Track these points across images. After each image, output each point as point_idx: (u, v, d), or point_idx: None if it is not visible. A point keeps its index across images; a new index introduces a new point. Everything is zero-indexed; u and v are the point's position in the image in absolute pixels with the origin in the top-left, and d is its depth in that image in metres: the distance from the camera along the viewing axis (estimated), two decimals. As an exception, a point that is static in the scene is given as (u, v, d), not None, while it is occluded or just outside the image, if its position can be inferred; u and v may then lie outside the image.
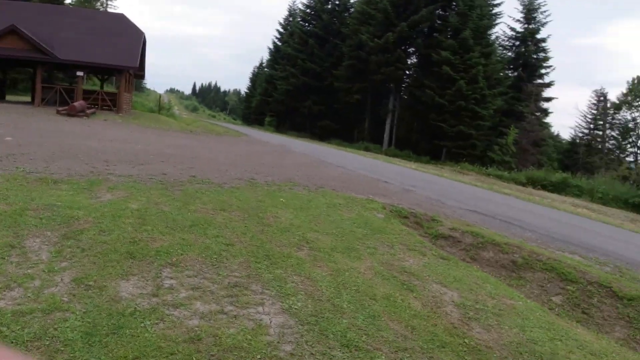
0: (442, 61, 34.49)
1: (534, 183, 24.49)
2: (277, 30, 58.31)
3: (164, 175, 8.44)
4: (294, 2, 57.79)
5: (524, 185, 24.00)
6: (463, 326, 4.05)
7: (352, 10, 46.37)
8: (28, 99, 29.30)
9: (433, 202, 10.40)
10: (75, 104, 20.78)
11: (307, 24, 49.39)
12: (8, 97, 29.47)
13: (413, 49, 40.95)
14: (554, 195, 20.69)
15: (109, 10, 55.31)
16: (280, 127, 49.23)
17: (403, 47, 39.35)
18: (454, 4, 38.08)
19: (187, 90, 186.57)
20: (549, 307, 5.61)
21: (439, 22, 39.57)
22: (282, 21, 58.01)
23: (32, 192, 5.91)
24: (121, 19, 28.42)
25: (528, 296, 5.74)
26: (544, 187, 23.98)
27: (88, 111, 21.23)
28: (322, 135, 42.92)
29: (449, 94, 33.89)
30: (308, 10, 49.47)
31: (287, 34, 54.14)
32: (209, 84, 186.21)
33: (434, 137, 35.77)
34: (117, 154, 10.41)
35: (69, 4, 48.27)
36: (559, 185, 24.12)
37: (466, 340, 3.78)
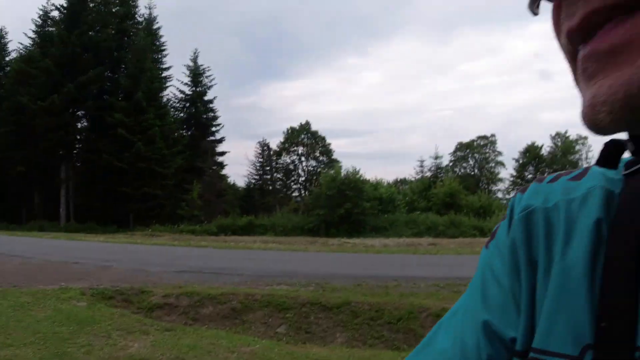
0: (117, 123, 33.16)
1: (225, 230, 26.14)
2: None
3: None
4: None
5: (216, 234, 25.27)
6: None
7: (8, 69, 39.37)
8: None
9: (136, 272, 9.66)
10: None
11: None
12: None
13: (83, 112, 37.90)
14: (246, 238, 22.62)
15: None
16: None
17: (72, 110, 35.95)
18: (123, 66, 37.63)
19: None
20: (278, 339, 5.93)
21: (109, 84, 38.16)
22: None
23: None
24: None
25: (257, 336, 5.91)
26: (234, 233, 25.87)
27: None
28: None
29: (128, 157, 32.68)
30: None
31: None
32: None
33: (118, 203, 33.58)
34: None
35: None
36: (246, 227, 26.60)
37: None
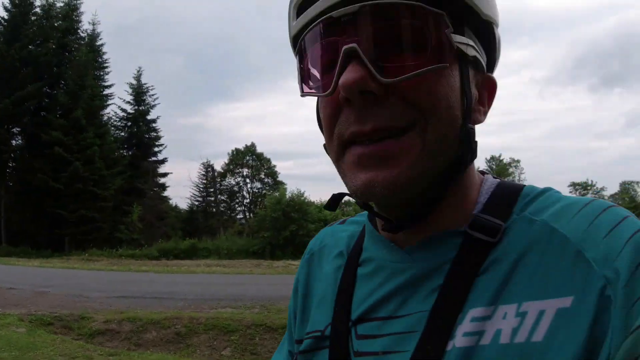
0: (54, 142, 31.87)
1: (166, 254, 25.60)
2: None
3: None
4: None
5: (157, 258, 24.69)
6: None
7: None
8: None
9: (75, 298, 9.51)
10: None
11: None
12: None
13: (19, 129, 36.11)
14: (188, 262, 22.24)
15: None
16: None
17: (7, 127, 34.19)
18: (63, 82, 36.39)
19: None
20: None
21: (47, 100, 36.71)
22: None
23: None
24: None
25: (203, 359, 6.11)
26: (176, 257, 25.36)
27: None
28: None
29: (64, 177, 31.38)
30: None
31: None
32: None
33: (53, 226, 31.96)
34: None
35: None
36: (189, 251, 26.19)
37: None
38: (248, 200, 48.38)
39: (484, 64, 0.54)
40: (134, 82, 42.21)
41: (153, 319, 7.51)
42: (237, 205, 48.83)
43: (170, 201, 45.21)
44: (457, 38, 0.48)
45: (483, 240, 0.49)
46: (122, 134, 42.17)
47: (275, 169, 49.16)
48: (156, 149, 42.54)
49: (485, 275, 0.48)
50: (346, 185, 0.52)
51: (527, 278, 0.46)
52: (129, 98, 42.04)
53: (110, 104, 40.10)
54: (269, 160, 49.04)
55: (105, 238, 32.09)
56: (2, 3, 35.89)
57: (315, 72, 0.52)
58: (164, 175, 43.05)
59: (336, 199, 0.58)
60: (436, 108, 0.47)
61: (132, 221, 33.32)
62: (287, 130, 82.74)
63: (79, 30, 39.73)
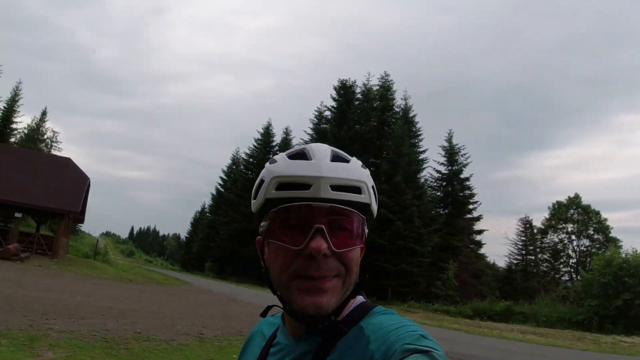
0: (379, 204, 36.29)
1: (480, 315, 24.89)
2: (221, 178, 60.45)
3: (106, 331, 7.99)
4: (237, 152, 61.05)
5: (471, 318, 24.31)
6: None
7: (293, 161, 49.66)
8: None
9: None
10: (10, 246, 19.74)
11: (249, 172, 52.27)
12: None
13: (358, 196, 43.42)
14: (502, 325, 21.04)
15: (54, 152, 55.54)
16: (222, 273, 48.09)
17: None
18: (384, 153, 42.03)
19: (124, 234, 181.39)
20: None
21: (372, 169, 43.07)
22: (225, 169, 60.54)
23: (-32, 348, 5.43)
24: (67, 163, 28.57)
25: None
26: (490, 318, 24.34)
27: (22, 255, 20.10)
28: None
29: (388, 235, 35.37)
30: (251, 160, 52.96)
31: (231, 181, 56.18)
32: (147, 228, 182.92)
33: (378, 277, 36.26)
34: (56, 306, 9.79)
35: (13, 143, 48.20)
36: (504, 314, 24.67)
37: None
38: (574, 260, 42.43)
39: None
40: (446, 144, 44.63)
41: (453, 379, 7.45)
42: (561, 266, 43.39)
43: (487, 259, 44.05)
44: (366, 230, 0.84)
45: (333, 336, 0.79)
46: (438, 193, 44.57)
47: (607, 223, 41.79)
48: (470, 206, 42.89)
49: (331, 355, 0.77)
50: (293, 303, 0.78)
51: (346, 356, 0.75)
52: (443, 159, 44.52)
53: (425, 167, 43.35)
54: (597, 213, 42.25)
55: (423, 292, 33.86)
56: (330, 94, 45.30)
57: (288, 231, 0.78)
58: (480, 232, 42.54)
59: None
60: (353, 266, 0.79)
61: (447, 278, 34.09)
62: (616, 175, 69.31)
63: (394, 107, 45.57)
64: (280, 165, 0.80)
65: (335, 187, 0.76)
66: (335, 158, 0.81)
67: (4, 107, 48.53)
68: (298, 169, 0.78)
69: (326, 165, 0.78)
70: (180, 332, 8.95)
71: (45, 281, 14.75)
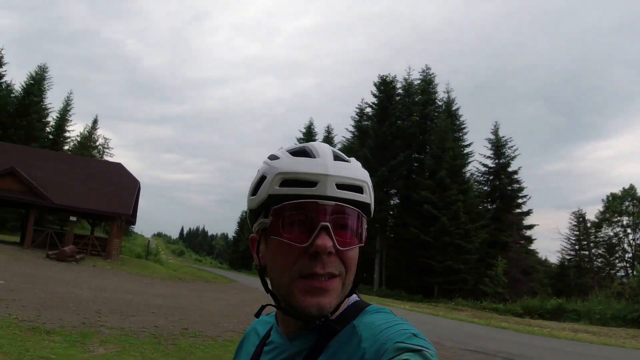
0: (423, 200, 36.15)
1: (530, 313, 24.04)
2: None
3: (155, 327, 8.30)
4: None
5: (521, 316, 23.51)
6: None
7: (335, 158, 49.77)
8: (16, 238, 29.22)
9: (430, 344, 10.17)
10: (66, 248, 20.87)
11: (294, 173, 52.66)
12: None
13: (394, 191, 43.13)
14: (553, 323, 20.21)
15: (106, 158, 58.44)
16: (269, 271, 48.91)
17: (385, 190, 41.48)
18: (428, 147, 41.29)
19: (175, 234, 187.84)
20: None
21: (416, 164, 42.50)
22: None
23: (26, 342, 5.81)
24: (118, 168, 29.96)
25: None
26: (541, 316, 23.48)
27: (77, 256, 21.21)
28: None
29: (433, 231, 34.80)
30: (296, 158, 53.24)
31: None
32: (197, 228, 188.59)
33: (424, 274, 35.75)
34: (108, 304, 10.27)
35: (67, 150, 51.17)
36: (555, 312, 23.75)
37: None
38: (630, 255, 40.08)
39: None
40: (492, 136, 43.27)
41: (498, 380, 7.23)
42: (616, 261, 41.15)
43: (538, 255, 42.43)
44: (365, 230, 0.82)
45: (326, 335, 0.79)
46: (485, 188, 43.34)
47: (665, 216, 39.24)
48: (519, 201, 41.42)
49: (324, 354, 0.77)
50: (294, 303, 0.77)
51: (338, 355, 0.75)
52: (489, 153, 43.23)
53: (471, 161, 42.27)
54: (653, 205, 39.74)
55: (470, 289, 33.07)
56: (371, 91, 44.86)
57: (292, 228, 0.77)
58: (530, 227, 41.06)
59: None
60: (352, 266, 0.80)
61: (496, 275, 33.10)
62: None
63: (436, 100, 44.67)
64: (284, 161, 0.80)
65: (340, 186, 0.77)
66: (337, 157, 0.81)
67: (57, 117, 51.54)
68: (304, 166, 0.78)
69: (332, 163, 0.78)
70: (226, 329, 9.17)
71: (98, 281, 15.50)
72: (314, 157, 0.79)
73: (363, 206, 0.81)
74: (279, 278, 0.80)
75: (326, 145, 0.84)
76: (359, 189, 0.79)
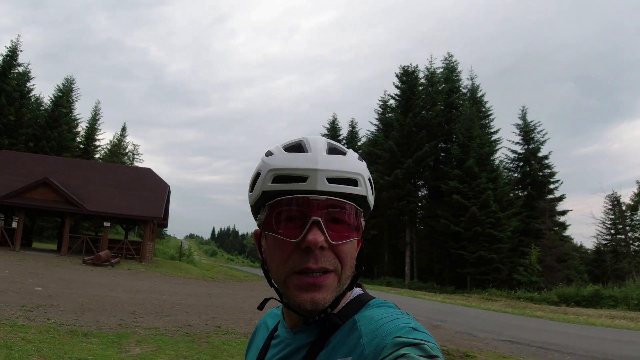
0: (452, 190, 35.68)
1: (566, 301, 23.47)
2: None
3: (189, 326, 8.51)
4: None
5: (556, 304, 22.99)
6: None
7: (360, 152, 49.52)
8: (54, 246, 30.37)
9: (464, 335, 10.09)
10: (101, 253, 21.55)
11: (320, 167, 52.70)
12: (34, 245, 30.65)
13: (422, 182, 42.67)
14: (589, 311, 19.70)
15: (136, 163, 59.94)
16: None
17: (412, 181, 41.11)
18: (454, 136, 40.62)
19: (206, 235, 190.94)
20: None
21: (442, 154, 41.90)
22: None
23: (64, 345, 6.04)
24: (148, 173, 30.71)
25: None
26: (577, 304, 22.95)
27: (113, 260, 21.87)
28: (341, 273, 42.46)
29: (463, 221, 34.32)
30: (321, 155, 53.28)
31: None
32: (227, 228, 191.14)
33: (455, 265, 35.32)
34: (143, 305, 10.56)
35: (98, 158, 52.79)
36: (591, 298, 23.17)
37: None
38: (669, 238, 38.37)
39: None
40: (520, 121, 42.23)
41: (533, 369, 7.13)
42: (654, 244, 39.46)
43: (573, 241, 41.18)
44: (362, 223, 0.82)
45: (329, 329, 0.80)
46: (515, 175, 42.37)
47: None
48: (551, 186, 40.31)
49: (326, 349, 0.78)
50: (290, 298, 0.79)
51: (339, 349, 0.76)
52: (517, 139, 42.21)
53: (499, 148, 41.39)
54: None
55: (504, 279, 32.49)
56: (393, 82, 44.32)
57: (285, 224, 0.79)
58: (563, 213, 39.89)
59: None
60: (348, 260, 0.79)
61: (530, 263, 32.40)
62: None
63: (460, 88, 43.87)
64: (277, 157, 0.81)
65: (331, 180, 0.77)
66: (332, 150, 0.81)
67: (87, 127, 53.20)
68: (294, 161, 0.79)
69: (322, 157, 0.78)
70: (257, 326, 9.32)
71: (133, 283, 15.96)
72: (306, 151, 0.80)
73: (358, 199, 0.80)
74: (276, 273, 0.81)
75: (322, 139, 0.84)
76: (352, 182, 0.79)
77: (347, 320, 0.81)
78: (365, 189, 0.81)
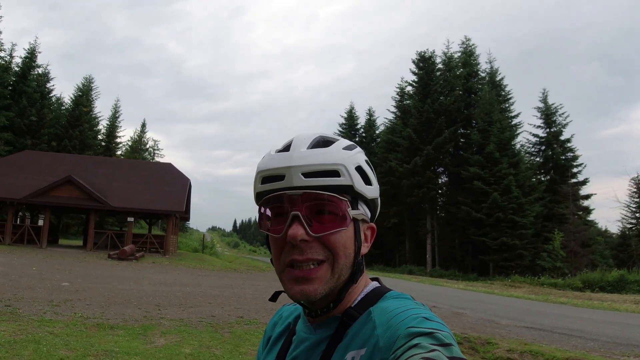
0: (472, 177, 35.26)
1: (591, 286, 23.09)
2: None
3: (212, 317, 8.69)
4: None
5: (581, 290, 22.64)
6: None
7: (378, 140, 49.27)
8: (79, 242, 31.21)
9: (486, 322, 10.06)
10: (126, 248, 22.07)
11: (338, 157, 52.61)
12: (61, 241, 31.46)
13: (442, 169, 42.26)
14: (614, 296, 19.36)
15: (157, 159, 60.89)
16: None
17: (432, 168, 40.75)
18: (474, 122, 40.04)
19: (228, 227, 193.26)
20: None
21: (462, 140, 41.34)
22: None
23: (91, 338, 6.25)
24: (169, 168, 31.21)
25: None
26: (602, 289, 22.59)
27: (137, 255, 22.36)
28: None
29: (485, 208, 33.96)
30: (338, 144, 53.16)
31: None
32: (249, 220, 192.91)
33: (477, 252, 35.02)
34: (167, 298, 10.82)
35: (119, 155, 53.84)
36: (616, 284, 22.76)
37: None
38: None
39: (368, 219, 0.89)
40: (541, 104, 41.36)
41: (555, 357, 7.06)
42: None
43: (598, 225, 40.34)
44: (353, 212, 0.82)
45: (346, 323, 0.82)
46: (537, 159, 41.63)
47: None
48: (574, 170, 39.53)
49: (343, 341, 0.80)
50: (285, 290, 0.83)
51: (354, 341, 0.78)
52: (539, 122, 41.39)
53: (520, 132, 40.71)
54: None
55: (527, 265, 32.08)
56: (409, 69, 43.69)
57: (274, 221, 0.83)
58: (587, 197, 39.15)
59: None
60: (339, 250, 0.80)
61: (553, 249, 31.91)
62: None
63: (479, 72, 43.08)
64: (264, 160, 0.86)
65: (308, 174, 0.79)
66: (316, 145, 0.83)
67: (107, 124, 54.17)
68: (273, 161, 0.83)
69: (298, 154, 0.81)
70: (279, 316, 9.46)
71: (158, 276, 16.32)
72: (287, 150, 0.83)
73: (343, 189, 0.81)
74: (275, 268, 0.85)
75: (307, 135, 0.86)
76: (333, 173, 0.80)
77: (363, 312, 0.83)
78: (350, 179, 0.81)
